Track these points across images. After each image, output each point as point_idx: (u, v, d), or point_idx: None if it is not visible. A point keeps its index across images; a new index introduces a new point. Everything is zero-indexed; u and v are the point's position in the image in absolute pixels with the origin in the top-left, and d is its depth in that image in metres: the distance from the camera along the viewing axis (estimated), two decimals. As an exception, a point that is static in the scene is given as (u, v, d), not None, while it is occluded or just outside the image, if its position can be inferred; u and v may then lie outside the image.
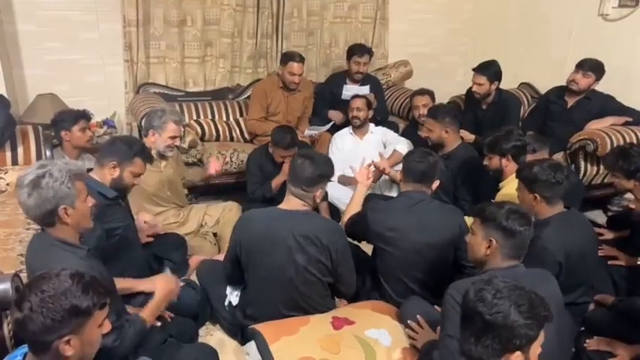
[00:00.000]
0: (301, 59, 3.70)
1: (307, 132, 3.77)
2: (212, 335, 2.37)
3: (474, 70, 3.55)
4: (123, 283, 2.06)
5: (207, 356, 1.95)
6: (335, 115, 3.95)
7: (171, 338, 1.95)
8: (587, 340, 2.07)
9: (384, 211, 2.29)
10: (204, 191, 3.44)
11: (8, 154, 3.01)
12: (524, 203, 2.17)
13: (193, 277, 2.52)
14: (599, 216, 3.46)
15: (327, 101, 4.06)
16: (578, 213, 2.29)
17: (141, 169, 2.22)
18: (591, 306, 2.28)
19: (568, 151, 3.39)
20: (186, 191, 3.15)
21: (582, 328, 2.22)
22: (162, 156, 2.76)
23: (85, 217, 1.68)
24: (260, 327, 2.03)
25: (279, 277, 2.07)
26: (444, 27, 4.87)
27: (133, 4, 3.71)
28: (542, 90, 3.95)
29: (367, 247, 2.48)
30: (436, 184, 2.34)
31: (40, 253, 1.65)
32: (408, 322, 2.02)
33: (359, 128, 3.61)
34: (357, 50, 3.95)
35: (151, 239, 2.57)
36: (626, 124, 3.37)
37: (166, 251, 2.57)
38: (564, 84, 3.57)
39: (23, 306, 1.17)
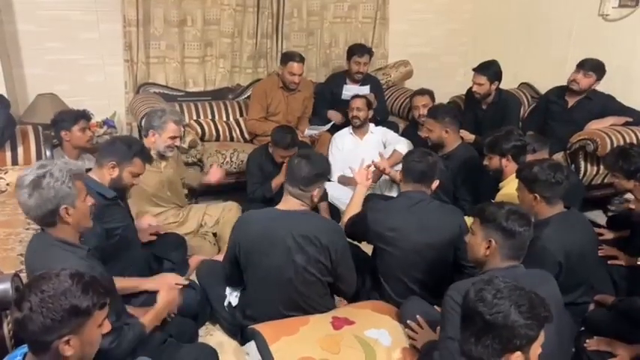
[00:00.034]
0: (301, 59, 3.70)
1: (307, 132, 3.77)
2: (212, 335, 2.37)
3: (474, 70, 3.55)
4: (127, 283, 2.08)
5: (207, 356, 1.95)
6: (334, 116, 3.95)
7: (171, 338, 1.95)
8: (587, 340, 2.06)
9: (384, 211, 2.29)
10: (204, 191, 3.43)
11: (8, 154, 3.01)
12: (524, 203, 2.17)
13: (193, 277, 2.51)
14: (599, 216, 3.46)
15: (327, 101, 4.06)
16: (578, 213, 2.29)
17: (140, 169, 2.22)
18: (591, 306, 2.27)
19: (568, 151, 3.39)
20: (186, 191, 3.14)
21: (582, 328, 2.22)
22: (162, 156, 2.76)
23: (85, 216, 1.69)
24: (260, 327, 2.03)
25: (278, 278, 2.07)
26: (444, 27, 4.87)
27: (133, 4, 3.71)
28: (542, 90, 3.95)
29: (367, 247, 2.48)
30: (436, 183, 2.34)
31: (40, 253, 1.64)
32: (408, 322, 2.02)
33: (359, 128, 3.61)
34: (357, 50, 3.95)
35: (154, 237, 2.57)
36: (626, 124, 3.37)
37: (166, 251, 2.57)
38: (564, 84, 3.57)
39: (23, 306, 1.17)
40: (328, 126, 3.80)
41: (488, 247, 1.70)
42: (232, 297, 2.32)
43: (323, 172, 2.13)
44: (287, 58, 3.73)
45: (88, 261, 1.63)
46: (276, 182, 3.05)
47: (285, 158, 2.96)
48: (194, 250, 2.80)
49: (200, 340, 2.27)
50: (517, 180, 2.25)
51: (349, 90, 3.97)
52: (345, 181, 3.44)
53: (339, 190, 3.43)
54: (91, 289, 1.22)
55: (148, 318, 1.85)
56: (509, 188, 2.42)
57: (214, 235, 3.00)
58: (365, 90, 3.98)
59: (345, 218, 2.47)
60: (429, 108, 3.29)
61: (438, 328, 1.93)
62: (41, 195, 1.56)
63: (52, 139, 3.10)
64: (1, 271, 1.93)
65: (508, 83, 3.86)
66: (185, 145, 3.35)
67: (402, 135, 3.71)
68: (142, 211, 2.73)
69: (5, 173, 2.87)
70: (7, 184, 2.80)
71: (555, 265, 2.02)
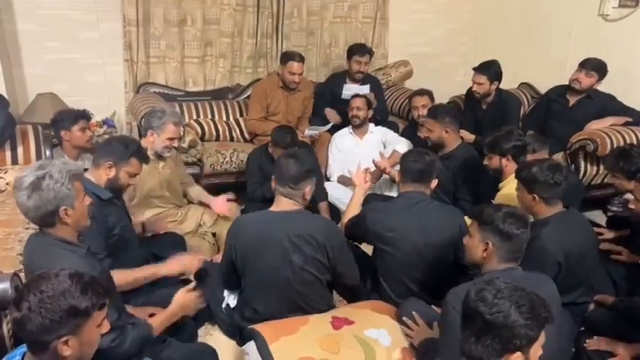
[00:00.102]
0: (301, 59, 3.70)
1: (307, 132, 3.76)
2: (211, 335, 2.37)
3: (474, 69, 3.55)
4: (143, 272, 2.09)
5: (206, 356, 1.95)
6: (331, 115, 3.94)
7: (171, 338, 1.95)
8: (588, 340, 2.06)
9: (384, 212, 2.29)
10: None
11: (8, 153, 3.01)
12: (523, 203, 2.17)
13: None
14: (598, 216, 3.46)
15: (327, 101, 4.06)
16: (577, 213, 2.29)
17: (137, 169, 2.22)
18: (591, 306, 2.27)
19: (568, 151, 3.39)
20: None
21: (582, 328, 2.22)
22: (159, 156, 2.76)
23: (84, 215, 1.69)
24: (259, 327, 2.03)
25: (276, 279, 2.07)
26: (445, 27, 4.87)
27: (133, 4, 3.71)
28: (542, 90, 3.95)
29: (367, 248, 2.48)
30: (435, 183, 2.34)
31: (39, 253, 1.64)
32: (404, 318, 2.02)
33: (359, 128, 3.61)
34: (357, 50, 3.95)
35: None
36: (626, 124, 3.37)
37: (165, 251, 2.56)
38: (564, 84, 3.57)
39: (22, 306, 1.17)
40: (328, 126, 3.80)
41: (486, 250, 1.71)
42: (230, 299, 2.32)
43: (311, 168, 2.14)
44: (287, 57, 3.73)
45: (87, 259, 1.63)
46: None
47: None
48: (193, 250, 2.79)
49: (199, 339, 2.27)
50: (517, 180, 2.25)
51: (349, 89, 3.96)
52: (345, 181, 3.44)
53: (339, 190, 3.43)
54: (90, 289, 1.22)
55: (158, 319, 1.84)
56: (509, 188, 2.42)
57: (213, 234, 2.99)
58: (365, 89, 3.98)
59: (345, 219, 2.47)
60: (429, 108, 3.28)
61: (435, 324, 1.94)
62: (41, 197, 1.56)
63: (52, 139, 3.10)
64: (1, 270, 1.93)
65: (508, 83, 3.86)
66: (185, 145, 3.34)
67: (402, 135, 3.71)
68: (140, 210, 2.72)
69: (5, 173, 2.87)
70: (7, 184, 2.79)
71: (555, 265, 2.02)
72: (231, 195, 3.08)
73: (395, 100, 4.44)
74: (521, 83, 4.30)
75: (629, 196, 2.67)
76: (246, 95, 4.18)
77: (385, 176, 3.25)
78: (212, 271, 2.25)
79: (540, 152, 2.78)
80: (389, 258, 2.26)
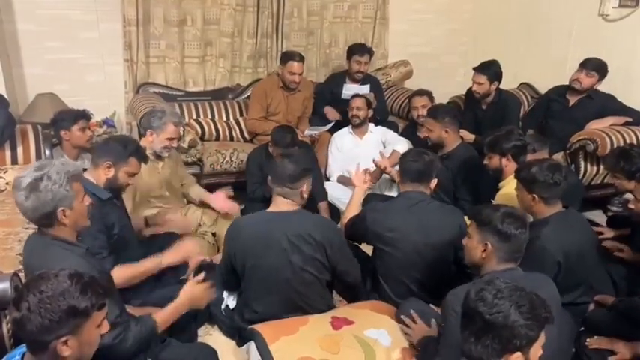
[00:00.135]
0: (301, 59, 3.70)
1: (307, 132, 3.76)
2: (211, 335, 2.37)
3: (474, 69, 3.55)
4: (147, 265, 2.09)
5: (206, 356, 1.94)
6: (330, 112, 3.94)
7: (171, 337, 1.94)
8: (588, 339, 2.06)
9: (383, 212, 2.29)
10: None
11: (8, 153, 3.01)
12: (522, 203, 2.17)
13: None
14: (598, 216, 3.46)
15: (327, 101, 4.06)
16: (576, 213, 2.29)
17: (136, 168, 2.22)
18: (591, 306, 2.27)
19: (568, 151, 3.39)
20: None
21: (582, 328, 2.22)
22: (158, 156, 2.76)
23: (83, 216, 1.69)
24: (259, 327, 2.03)
25: (276, 280, 2.07)
26: (445, 27, 4.87)
27: (132, 4, 3.71)
28: (542, 90, 3.96)
29: (367, 248, 2.48)
30: (434, 182, 2.34)
31: (39, 253, 1.64)
32: (402, 317, 2.03)
33: (358, 128, 3.61)
34: (357, 50, 3.95)
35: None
36: (626, 124, 3.37)
37: (165, 250, 2.56)
38: (564, 84, 3.57)
39: (21, 306, 1.16)
40: (328, 126, 3.79)
41: (485, 250, 1.71)
42: (230, 300, 2.32)
43: (307, 167, 2.15)
44: (287, 57, 3.73)
45: (86, 259, 1.63)
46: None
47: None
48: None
49: (199, 339, 2.27)
50: (516, 180, 2.25)
51: (349, 89, 3.97)
52: (344, 181, 3.44)
53: (338, 190, 3.43)
54: (89, 289, 1.22)
55: (163, 314, 1.80)
56: (509, 188, 2.42)
57: (213, 234, 2.99)
58: (365, 89, 3.98)
59: (345, 219, 2.47)
60: (429, 108, 3.28)
61: (433, 321, 1.95)
62: (38, 198, 1.56)
63: (52, 139, 3.10)
64: (1, 270, 1.93)
65: (508, 83, 3.86)
66: (185, 145, 3.34)
67: (401, 135, 3.71)
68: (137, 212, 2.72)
69: (5, 173, 2.87)
70: (7, 184, 2.79)
71: (554, 264, 2.02)
72: (229, 191, 3.07)
73: (395, 100, 4.44)
74: (521, 83, 4.30)
75: (628, 196, 2.67)
76: (246, 95, 4.18)
77: (385, 176, 3.25)
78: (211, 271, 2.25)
79: (540, 152, 2.78)
80: (389, 258, 2.26)
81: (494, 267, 1.70)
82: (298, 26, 4.31)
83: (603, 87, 3.51)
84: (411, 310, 2.03)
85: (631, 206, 2.45)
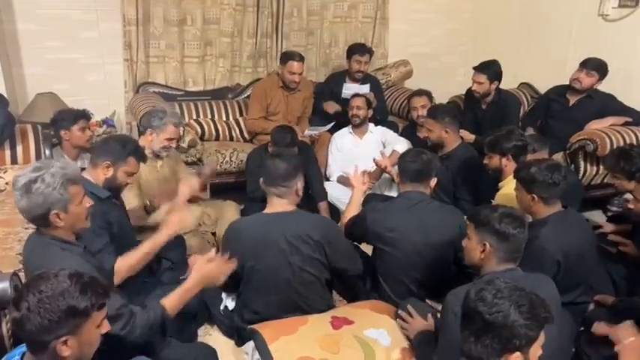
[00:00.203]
0: (301, 58, 3.70)
1: (307, 132, 3.76)
2: (210, 335, 2.37)
3: (474, 68, 3.55)
4: (144, 248, 2.03)
5: (206, 356, 1.94)
6: (330, 106, 3.94)
7: (171, 337, 1.94)
8: (595, 325, 2.05)
9: (383, 212, 2.29)
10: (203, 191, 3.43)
11: (7, 152, 3.01)
12: (521, 203, 2.17)
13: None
14: (598, 216, 3.46)
15: (326, 101, 4.05)
16: (575, 213, 2.29)
17: (135, 168, 2.22)
18: (591, 306, 2.27)
19: (568, 151, 3.39)
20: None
21: (582, 328, 2.22)
22: (157, 155, 2.76)
23: (80, 219, 1.67)
24: (259, 327, 2.03)
25: (276, 280, 2.07)
26: (445, 27, 4.87)
27: (132, 3, 3.71)
28: (542, 90, 3.96)
29: (367, 248, 2.48)
30: (434, 181, 2.34)
31: (37, 252, 1.64)
32: (399, 312, 2.03)
33: (358, 127, 3.61)
34: (357, 49, 3.95)
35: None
36: (625, 124, 3.37)
37: (165, 250, 2.55)
38: (564, 84, 3.57)
39: (21, 306, 1.16)
40: (328, 126, 3.79)
41: (484, 251, 1.71)
42: (228, 301, 2.32)
43: (298, 164, 2.16)
44: (287, 57, 3.73)
45: (84, 258, 1.63)
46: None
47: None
48: (193, 250, 2.79)
49: (199, 339, 2.27)
50: (515, 180, 2.25)
51: (349, 89, 3.97)
52: (344, 181, 3.44)
53: (338, 190, 3.43)
54: (89, 289, 1.21)
55: (171, 298, 1.74)
56: (509, 188, 2.42)
57: (213, 234, 2.99)
58: (365, 89, 3.98)
59: (345, 219, 2.47)
60: (429, 108, 3.28)
61: (429, 316, 1.95)
62: (30, 200, 1.56)
63: (52, 139, 3.10)
64: (0, 270, 1.93)
65: (508, 83, 3.86)
66: (185, 145, 3.34)
67: (401, 135, 3.70)
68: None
69: (4, 172, 2.87)
70: (7, 183, 2.79)
71: (554, 264, 2.02)
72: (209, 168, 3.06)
73: (395, 100, 4.44)
74: (521, 83, 4.30)
75: (628, 196, 2.66)
76: (245, 95, 4.18)
77: (385, 176, 3.25)
78: None
79: (540, 152, 2.78)
80: (389, 258, 2.26)
81: (494, 267, 1.70)
82: (298, 26, 4.31)
83: (603, 87, 3.51)
84: (408, 305, 2.04)
85: (631, 206, 2.45)
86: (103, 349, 1.31)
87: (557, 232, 2.06)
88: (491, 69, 3.50)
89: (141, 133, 3.11)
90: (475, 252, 1.73)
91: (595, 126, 3.34)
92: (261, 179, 2.15)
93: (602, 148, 3.17)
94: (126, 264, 1.98)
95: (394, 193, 3.23)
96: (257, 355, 1.94)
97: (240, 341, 2.22)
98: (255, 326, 2.04)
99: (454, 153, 3.03)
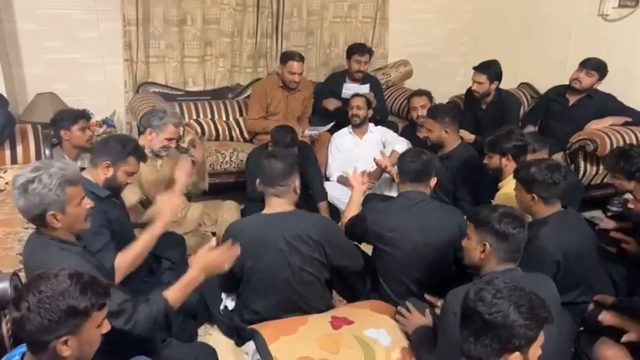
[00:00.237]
0: (301, 58, 3.70)
1: (307, 132, 3.76)
2: (210, 335, 2.37)
3: (474, 68, 3.55)
4: (142, 241, 2.01)
5: (206, 355, 1.95)
6: (330, 102, 3.93)
7: (171, 337, 1.95)
8: (602, 314, 2.06)
9: (383, 212, 2.30)
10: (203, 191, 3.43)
11: (7, 152, 3.01)
12: (521, 203, 2.17)
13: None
14: (598, 216, 3.45)
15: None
16: (575, 213, 2.29)
17: (135, 167, 2.22)
18: (591, 306, 2.27)
19: (568, 151, 3.39)
20: (185, 190, 3.13)
21: (582, 328, 2.22)
22: (156, 155, 2.76)
23: (79, 220, 1.66)
24: (259, 327, 2.03)
25: (275, 281, 2.07)
26: (445, 27, 4.87)
27: (132, 3, 3.71)
28: (542, 90, 3.96)
29: (367, 248, 2.48)
30: (434, 181, 2.34)
31: (37, 252, 1.64)
32: (398, 307, 2.04)
33: (358, 127, 3.61)
34: (357, 49, 3.96)
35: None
36: (625, 124, 3.37)
37: (165, 250, 2.56)
38: (564, 84, 3.57)
39: (21, 306, 1.16)
40: (328, 126, 3.79)
41: (484, 251, 1.71)
42: (228, 302, 2.32)
43: (293, 162, 2.17)
44: (287, 57, 3.73)
45: (84, 258, 1.63)
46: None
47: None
48: (193, 250, 2.80)
49: (199, 339, 2.27)
50: (515, 180, 2.25)
51: (349, 89, 3.97)
52: (344, 181, 3.44)
53: (338, 190, 3.44)
54: (89, 289, 1.21)
55: (173, 290, 1.72)
56: (509, 188, 2.42)
57: (213, 234, 2.99)
58: (365, 89, 3.98)
59: (345, 219, 2.47)
60: (429, 108, 3.29)
61: (427, 311, 1.96)
62: (27, 200, 1.56)
63: (52, 139, 3.10)
64: (0, 270, 1.93)
65: (508, 83, 3.86)
66: (185, 145, 3.34)
67: (401, 135, 3.71)
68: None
69: (4, 172, 2.87)
70: (6, 183, 2.79)
71: (553, 264, 2.02)
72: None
73: (395, 100, 4.44)
74: (521, 83, 4.30)
75: (628, 196, 2.67)
76: (245, 95, 4.18)
77: (385, 175, 3.25)
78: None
79: (540, 152, 2.78)
80: (389, 258, 2.26)
81: (494, 267, 1.70)
82: (298, 26, 4.31)
83: (603, 87, 3.51)
84: (406, 302, 2.04)
85: (630, 206, 2.45)
86: (104, 349, 1.31)
87: (557, 231, 2.06)
88: (491, 69, 3.50)
89: (141, 133, 3.11)
90: (475, 252, 1.73)
91: (595, 126, 3.34)
92: (258, 181, 2.15)
93: (602, 148, 3.17)
94: (125, 260, 1.97)
95: (394, 193, 3.23)
96: (257, 356, 1.94)
97: (240, 341, 2.22)
98: (255, 326, 2.04)
99: (454, 153, 3.03)
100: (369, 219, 2.28)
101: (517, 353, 1.24)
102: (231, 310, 2.30)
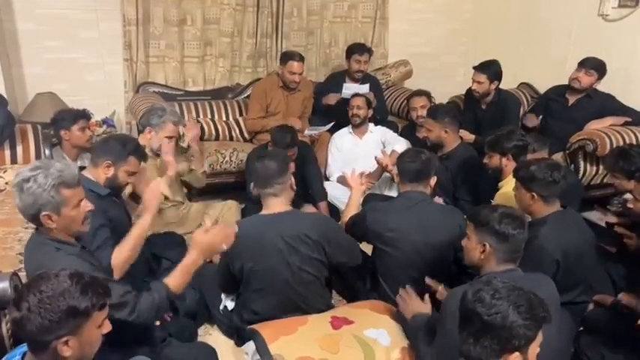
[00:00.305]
0: (301, 58, 3.70)
1: (307, 132, 3.76)
2: (210, 335, 2.37)
3: (474, 68, 3.55)
4: (133, 234, 1.98)
5: (206, 355, 1.95)
6: (331, 99, 3.93)
7: (171, 337, 1.95)
8: (621, 295, 2.09)
9: (384, 212, 2.30)
10: (204, 190, 3.43)
11: (7, 152, 3.01)
12: (520, 203, 2.17)
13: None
14: (598, 216, 3.45)
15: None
16: (574, 212, 2.29)
17: (135, 167, 2.21)
18: (590, 306, 2.27)
19: (567, 151, 3.39)
20: (185, 190, 3.14)
21: (581, 328, 2.22)
22: (156, 154, 2.77)
23: (75, 222, 1.64)
24: (259, 327, 2.03)
25: (275, 281, 2.07)
26: (444, 27, 4.87)
27: (132, 3, 3.71)
28: (542, 90, 3.96)
29: (367, 248, 2.48)
30: (434, 180, 2.34)
31: (35, 252, 1.65)
32: (400, 289, 2.04)
33: (358, 127, 3.61)
34: (357, 49, 3.96)
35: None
36: (625, 124, 3.37)
37: (165, 250, 2.57)
38: (564, 84, 3.57)
39: (21, 306, 1.16)
40: (328, 126, 3.80)
41: (483, 252, 1.71)
42: (228, 302, 2.32)
43: (286, 160, 2.18)
44: (287, 57, 3.73)
45: (81, 258, 1.62)
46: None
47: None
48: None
49: (199, 339, 2.27)
50: (515, 179, 2.25)
51: (349, 88, 3.97)
52: (344, 181, 3.44)
53: (338, 189, 3.44)
54: (90, 289, 1.21)
55: (173, 276, 1.71)
56: (509, 187, 2.42)
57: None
58: (364, 88, 3.98)
59: (345, 219, 2.47)
60: (429, 108, 3.29)
61: (426, 297, 1.97)
62: (22, 199, 1.57)
63: (52, 139, 3.10)
64: (0, 270, 1.93)
65: (508, 83, 3.86)
66: (184, 145, 3.34)
67: (400, 135, 3.71)
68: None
69: (4, 172, 2.87)
70: (6, 183, 2.79)
71: (553, 263, 2.03)
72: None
73: (394, 100, 4.44)
74: (521, 83, 4.30)
75: (628, 195, 2.67)
76: (245, 95, 4.18)
77: (386, 175, 3.25)
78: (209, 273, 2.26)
79: (540, 152, 2.79)
80: (388, 258, 2.26)
81: (494, 268, 1.70)
82: (298, 26, 4.31)
83: (603, 87, 3.51)
84: (407, 286, 2.04)
85: (630, 205, 2.45)
86: (105, 348, 1.32)
87: (557, 231, 2.06)
88: (491, 69, 3.51)
89: (140, 133, 3.11)
90: (475, 252, 1.73)
91: (595, 126, 3.35)
92: (252, 185, 2.15)
93: (601, 148, 3.17)
94: (121, 256, 1.96)
95: (394, 193, 3.23)
96: (257, 356, 1.94)
97: (239, 341, 2.22)
98: (254, 326, 2.04)
99: (454, 153, 3.03)
100: (369, 219, 2.28)
101: (517, 353, 1.24)
102: (231, 311, 2.31)
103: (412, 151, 2.46)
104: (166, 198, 2.48)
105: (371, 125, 3.67)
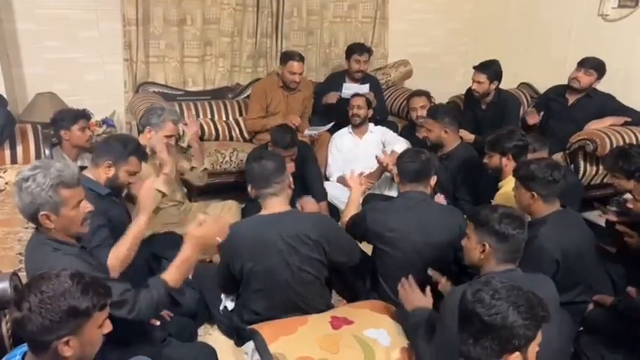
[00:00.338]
0: (301, 58, 3.70)
1: (307, 132, 3.76)
2: (210, 335, 2.37)
3: (474, 67, 3.56)
4: (129, 235, 1.96)
5: (206, 355, 1.95)
6: (331, 97, 3.93)
7: (171, 337, 1.95)
8: (629, 287, 2.10)
9: (384, 212, 2.30)
10: (204, 190, 3.43)
11: (7, 152, 3.01)
12: (520, 202, 2.17)
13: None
14: (597, 216, 3.45)
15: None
16: (574, 212, 2.29)
17: (136, 167, 2.21)
18: (590, 306, 2.27)
19: (567, 151, 3.39)
20: (185, 190, 3.14)
21: (581, 328, 2.22)
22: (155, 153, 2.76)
23: (74, 223, 1.64)
24: (259, 327, 2.03)
25: (275, 281, 2.07)
26: (444, 27, 4.87)
27: (132, 3, 3.71)
28: (542, 90, 3.96)
29: (367, 248, 2.48)
30: (434, 180, 2.34)
31: (33, 251, 1.65)
32: (402, 279, 2.03)
33: (358, 127, 3.61)
34: (357, 49, 3.96)
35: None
36: (625, 124, 3.38)
37: (165, 250, 2.56)
38: (564, 84, 3.57)
39: (22, 306, 1.16)
40: (328, 126, 3.79)
41: (483, 252, 1.71)
42: (228, 302, 2.32)
43: (281, 159, 2.19)
44: (287, 57, 3.73)
45: (80, 258, 1.62)
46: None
47: (285, 158, 2.96)
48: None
49: (199, 339, 2.27)
50: (514, 179, 2.25)
51: (349, 88, 3.97)
52: (343, 181, 3.44)
53: (338, 189, 3.44)
54: (91, 289, 1.22)
55: (170, 271, 1.72)
56: (509, 187, 2.42)
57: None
58: (364, 88, 3.98)
59: (345, 219, 2.47)
60: (429, 108, 3.29)
61: (428, 289, 1.97)
62: (20, 198, 1.57)
63: (52, 139, 3.10)
64: (0, 270, 1.93)
65: (508, 83, 3.87)
66: (184, 144, 3.34)
67: (400, 135, 3.71)
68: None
69: (4, 172, 2.86)
70: (6, 183, 2.79)
71: (552, 263, 2.03)
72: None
73: (394, 100, 4.44)
74: (521, 83, 4.30)
75: (628, 195, 2.67)
76: (245, 95, 4.18)
77: (386, 175, 3.25)
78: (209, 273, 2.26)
79: (540, 152, 2.79)
80: (388, 258, 2.26)
81: (494, 268, 1.70)
82: (298, 26, 4.31)
83: (603, 87, 3.51)
84: (410, 276, 2.03)
85: (630, 205, 2.45)
86: (105, 348, 1.32)
87: (556, 231, 2.07)
88: (491, 69, 3.51)
89: (140, 132, 3.11)
90: (474, 252, 1.74)
91: (594, 126, 3.35)
92: (250, 187, 2.15)
93: (601, 148, 3.17)
94: (118, 257, 1.94)
95: (394, 193, 3.23)
96: (257, 356, 1.94)
97: (239, 341, 2.22)
98: (254, 326, 2.04)
99: (453, 153, 3.04)
100: (369, 219, 2.28)
101: (517, 353, 1.24)
102: (231, 311, 2.31)
103: (412, 151, 2.46)
104: (164, 195, 2.48)
105: (371, 125, 3.67)
